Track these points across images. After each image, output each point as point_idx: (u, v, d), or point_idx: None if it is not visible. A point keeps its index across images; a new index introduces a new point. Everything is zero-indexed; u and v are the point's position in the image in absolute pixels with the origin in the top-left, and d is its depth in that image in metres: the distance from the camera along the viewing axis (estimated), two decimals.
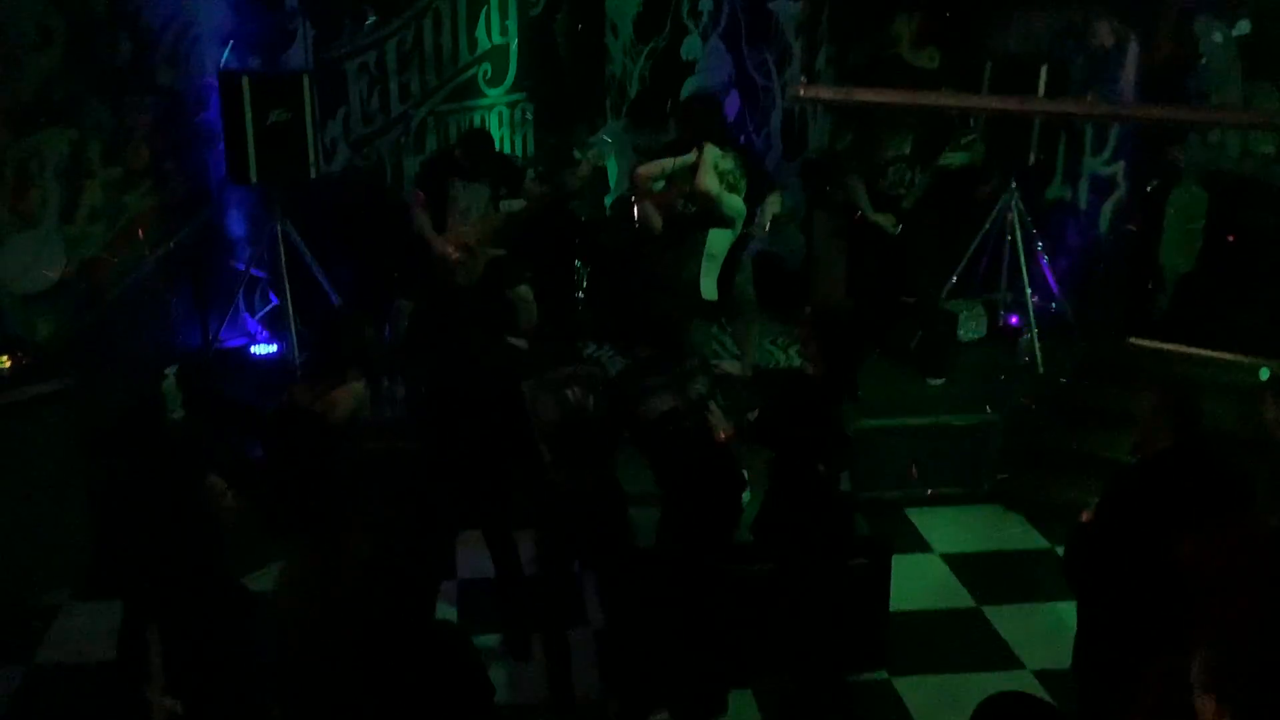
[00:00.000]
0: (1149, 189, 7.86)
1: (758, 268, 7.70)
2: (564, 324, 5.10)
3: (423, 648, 3.50)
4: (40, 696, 5.32)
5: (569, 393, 4.87)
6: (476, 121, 8.47)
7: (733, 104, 8.89)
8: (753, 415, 5.02)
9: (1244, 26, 7.35)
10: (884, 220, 7.50)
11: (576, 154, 7.88)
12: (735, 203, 6.62)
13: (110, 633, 5.69)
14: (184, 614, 4.19)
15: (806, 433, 4.84)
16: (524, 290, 7.26)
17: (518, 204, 7.16)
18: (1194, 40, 7.54)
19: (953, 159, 7.31)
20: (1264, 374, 6.63)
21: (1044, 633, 5.80)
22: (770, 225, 7.28)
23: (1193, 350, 7.45)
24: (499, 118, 8.62)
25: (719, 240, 6.73)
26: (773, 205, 7.20)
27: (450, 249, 7.06)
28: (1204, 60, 7.50)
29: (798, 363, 7.77)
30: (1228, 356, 7.30)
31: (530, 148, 8.82)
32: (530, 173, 7.67)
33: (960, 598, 6.25)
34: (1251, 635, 3.12)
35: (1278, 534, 3.86)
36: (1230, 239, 7.45)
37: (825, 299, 8.21)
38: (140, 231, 7.15)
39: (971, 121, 7.63)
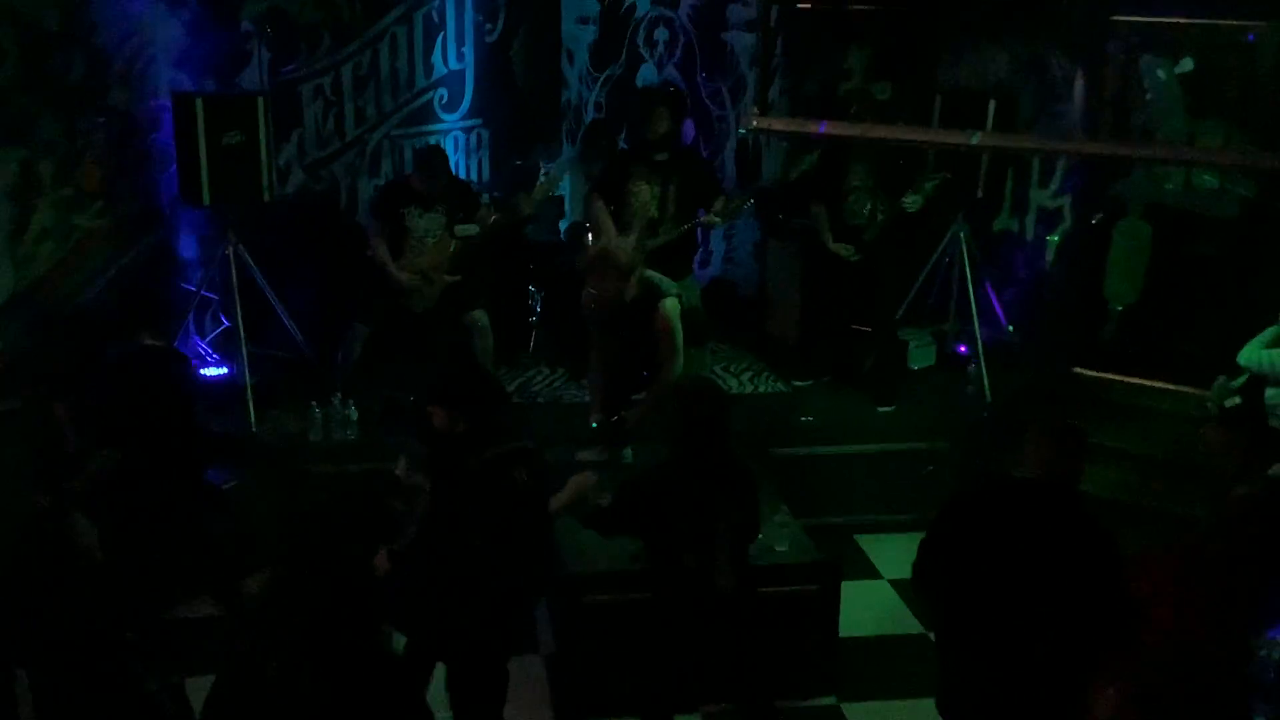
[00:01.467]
0: (1094, 221, 8.01)
1: (712, 294, 7.76)
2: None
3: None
4: None
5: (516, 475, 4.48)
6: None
7: (688, 132, 8.97)
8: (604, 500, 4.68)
9: (1187, 64, 7.52)
10: (844, 250, 7.58)
11: (541, 178, 7.91)
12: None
13: None
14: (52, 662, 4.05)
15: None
16: (480, 315, 7.28)
17: (472, 229, 7.19)
18: (1139, 77, 7.70)
19: (912, 201, 7.39)
20: (1210, 406, 6.70)
21: None
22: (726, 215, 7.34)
23: (1137, 380, 7.58)
24: (455, 143, 8.64)
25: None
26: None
27: (406, 277, 7.08)
28: (1149, 96, 7.67)
29: (748, 389, 7.87)
30: (1170, 386, 7.43)
31: (486, 173, 8.85)
32: (485, 198, 7.70)
33: (909, 624, 6.30)
34: (1184, 667, 3.19)
35: (1213, 561, 3.93)
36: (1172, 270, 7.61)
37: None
38: (90, 251, 7.09)
39: (931, 165, 7.73)
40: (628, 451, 6.53)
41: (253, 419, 7.01)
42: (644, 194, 7.14)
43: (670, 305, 6.23)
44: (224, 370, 7.63)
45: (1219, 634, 3.31)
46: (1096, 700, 3.12)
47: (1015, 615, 3.84)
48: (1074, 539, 3.91)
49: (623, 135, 8.94)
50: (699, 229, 7.38)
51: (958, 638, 4.11)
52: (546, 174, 8.27)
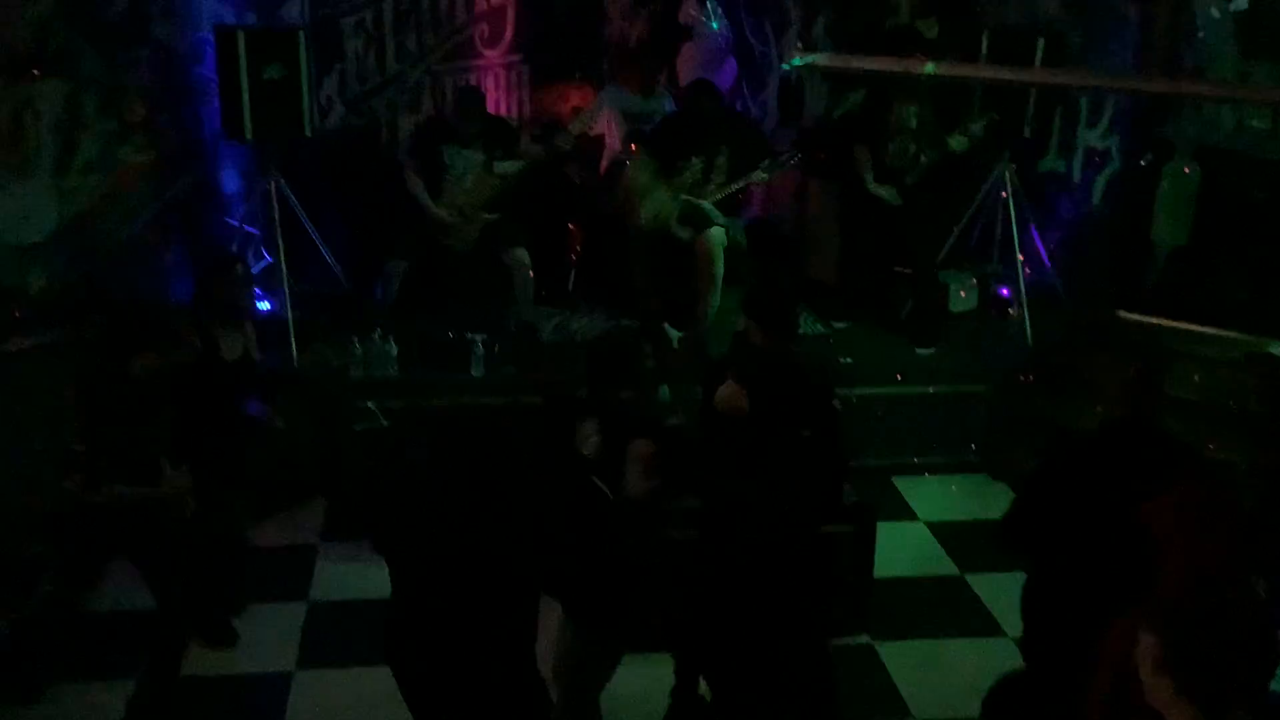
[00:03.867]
0: (1142, 163, 7.88)
1: (751, 234, 7.72)
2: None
3: None
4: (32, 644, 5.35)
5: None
6: (473, 82, 8.44)
7: (730, 70, 8.87)
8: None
9: (1241, 2, 7.35)
10: (885, 192, 7.51)
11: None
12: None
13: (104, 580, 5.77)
14: None
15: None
16: (520, 254, 7.29)
17: (512, 166, 7.18)
18: (1191, 15, 7.54)
19: (958, 142, 7.31)
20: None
21: None
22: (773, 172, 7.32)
23: (1180, 325, 7.49)
24: (495, 79, 8.60)
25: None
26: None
27: (445, 214, 7.08)
28: (1201, 35, 7.51)
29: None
30: (1216, 331, 7.34)
31: (526, 109, 8.81)
32: (523, 136, 7.67)
33: (944, 565, 6.32)
34: (1205, 603, 3.16)
35: (1232, 492, 3.91)
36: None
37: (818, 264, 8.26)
38: (135, 185, 7.13)
39: (977, 105, 7.62)
40: (664, 390, 6.54)
41: (295, 353, 7.07)
42: (694, 168, 7.17)
43: (715, 234, 6.24)
44: (267, 305, 7.68)
45: (1239, 575, 3.29)
46: (1138, 651, 3.11)
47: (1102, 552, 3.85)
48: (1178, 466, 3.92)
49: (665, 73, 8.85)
50: None
51: (1049, 590, 4.11)
52: (582, 113, 8.22)
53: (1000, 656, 5.34)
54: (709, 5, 8.77)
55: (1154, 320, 7.61)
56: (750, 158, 7.25)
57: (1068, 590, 4.06)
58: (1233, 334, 7.19)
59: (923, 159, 7.47)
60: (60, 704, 5.06)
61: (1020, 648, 4.34)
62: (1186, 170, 7.68)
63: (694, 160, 7.22)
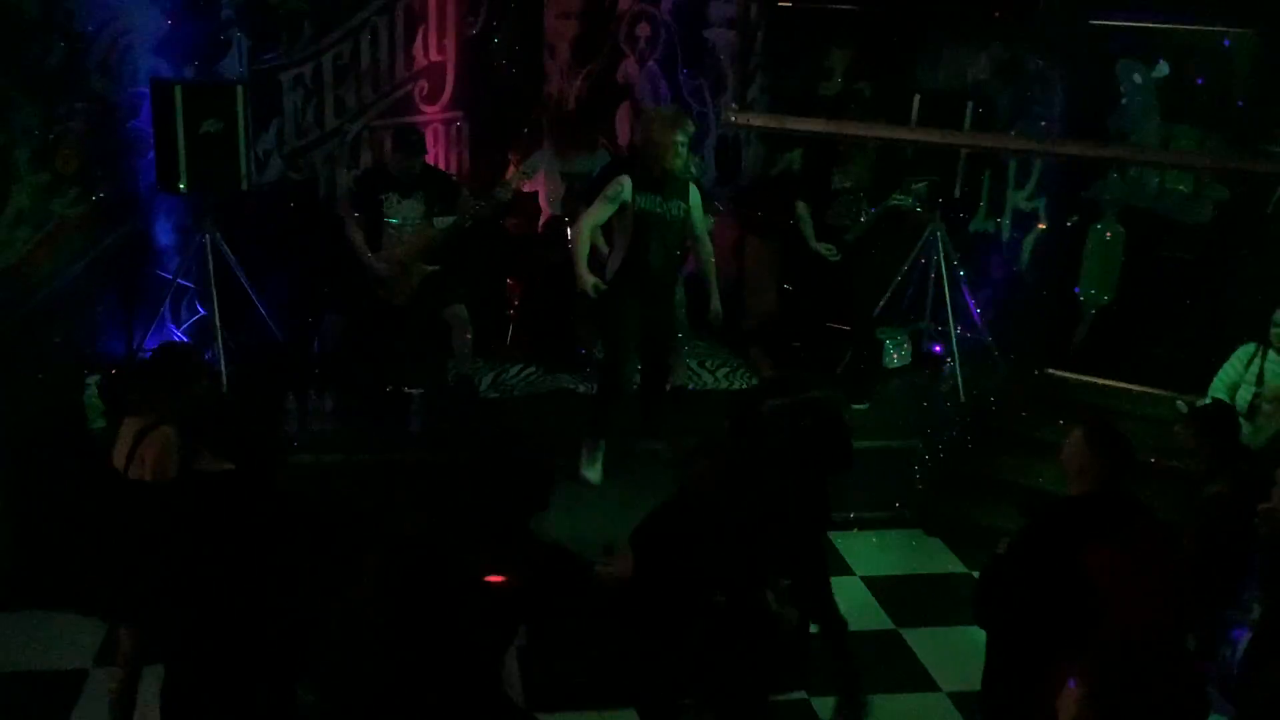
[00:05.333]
0: (1069, 224, 8.07)
1: (689, 289, 7.78)
2: None
3: None
4: None
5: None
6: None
7: None
8: None
9: (1163, 69, 7.59)
10: (824, 250, 7.63)
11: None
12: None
13: (24, 641, 5.67)
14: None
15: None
16: (459, 309, 7.28)
17: (450, 220, 7.19)
18: (1115, 81, 7.77)
19: (902, 200, 7.47)
20: (1181, 407, 6.83)
21: (960, 655, 5.89)
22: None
23: (1108, 382, 7.65)
24: (434, 135, 8.63)
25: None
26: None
27: (384, 267, 7.06)
28: (1124, 101, 7.73)
29: (724, 385, 7.90)
30: (1142, 389, 7.50)
31: (465, 165, 8.85)
32: (464, 190, 7.70)
33: (880, 619, 6.35)
34: (1136, 656, 3.23)
35: (1175, 549, 3.98)
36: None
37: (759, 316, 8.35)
38: (68, 237, 7.06)
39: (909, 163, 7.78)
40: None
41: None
42: None
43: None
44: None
45: (1175, 629, 3.36)
46: (1061, 698, 3.16)
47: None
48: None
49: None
50: None
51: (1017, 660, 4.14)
52: (521, 166, 8.27)
53: (936, 711, 5.39)
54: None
55: (1082, 377, 7.77)
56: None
57: (1020, 645, 4.09)
58: (1158, 391, 7.35)
59: (864, 218, 7.60)
60: None
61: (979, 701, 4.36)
62: (1110, 233, 7.88)
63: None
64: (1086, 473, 4.02)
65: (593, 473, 6.53)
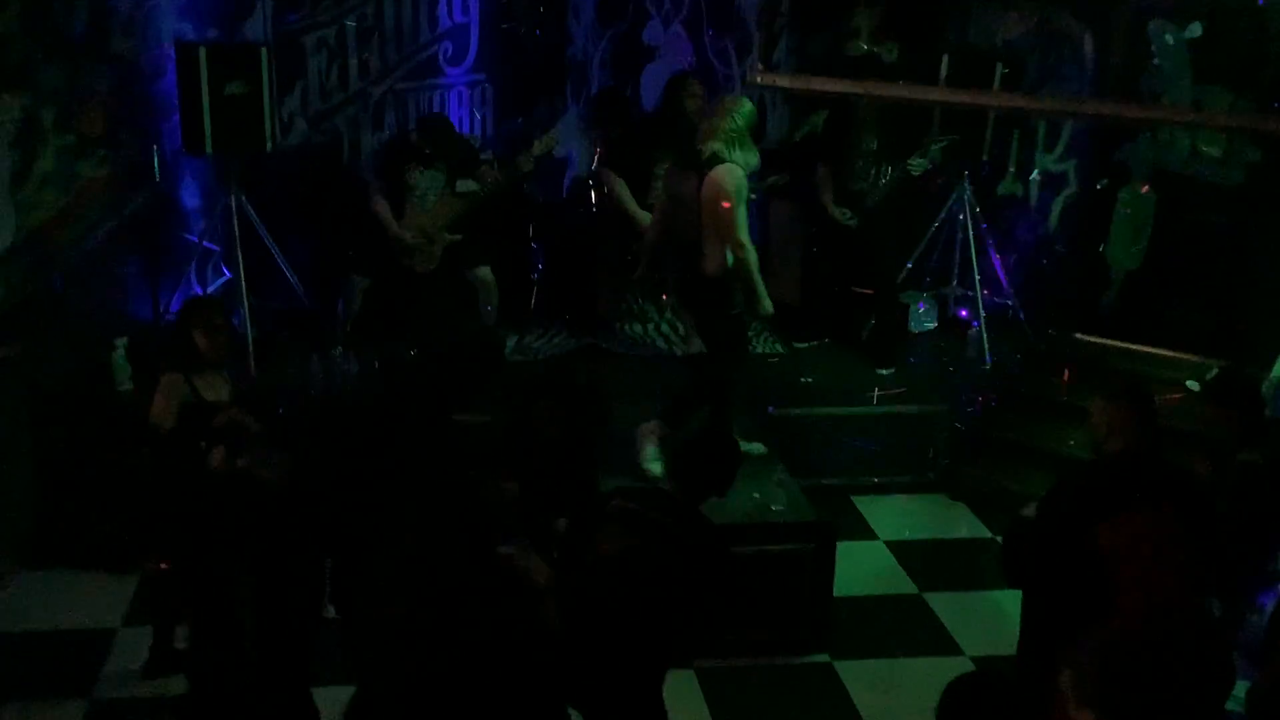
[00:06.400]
0: (1099, 187, 7.98)
1: None
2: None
3: None
4: None
5: None
6: (436, 100, 8.44)
7: None
8: None
9: (1195, 30, 7.47)
10: (840, 214, 7.58)
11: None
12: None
13: (54, 600, 5.73)
14: None
15: None
16: (484, 272, 7.29)
17: (472, 185, 7.17)
18: (1147, 42, 7.66)
19: (917, 165, 7.40)
20: (1192, 385, 6.81)
21: (982, 619, 5.91)
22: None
23: (1136, 347, 7.58)
24: (458, 97, 8.60)
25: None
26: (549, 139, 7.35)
27: (409, 235, 7.06)
28: (1156, 62, 7.62)
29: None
30: (1170, 354, 7.44)
31: (489, 129, 8.82)
32: (486, 153, 7.68)
33: (903, 584, 6.35)
34: (1144, 632, 3.20)
35: (1206, 514, 3.95)
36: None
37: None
38: (94, 199, 7.08)
39: (937, 128, 7.69)
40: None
41: (254, 370, 7.03)
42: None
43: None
44: None
45: (1192, 594, 3.33)
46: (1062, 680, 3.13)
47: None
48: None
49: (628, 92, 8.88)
50: None
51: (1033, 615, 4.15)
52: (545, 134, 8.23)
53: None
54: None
55: (1109, 342, 7.71)
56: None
57: (1046, 616, 4.09)
58: (1186, 356, 7.29)
59: (883, 181, 7.53)
60: None
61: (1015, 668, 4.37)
62: (1142, 194, 7.79)
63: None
64: (1115, 432, 4.02)
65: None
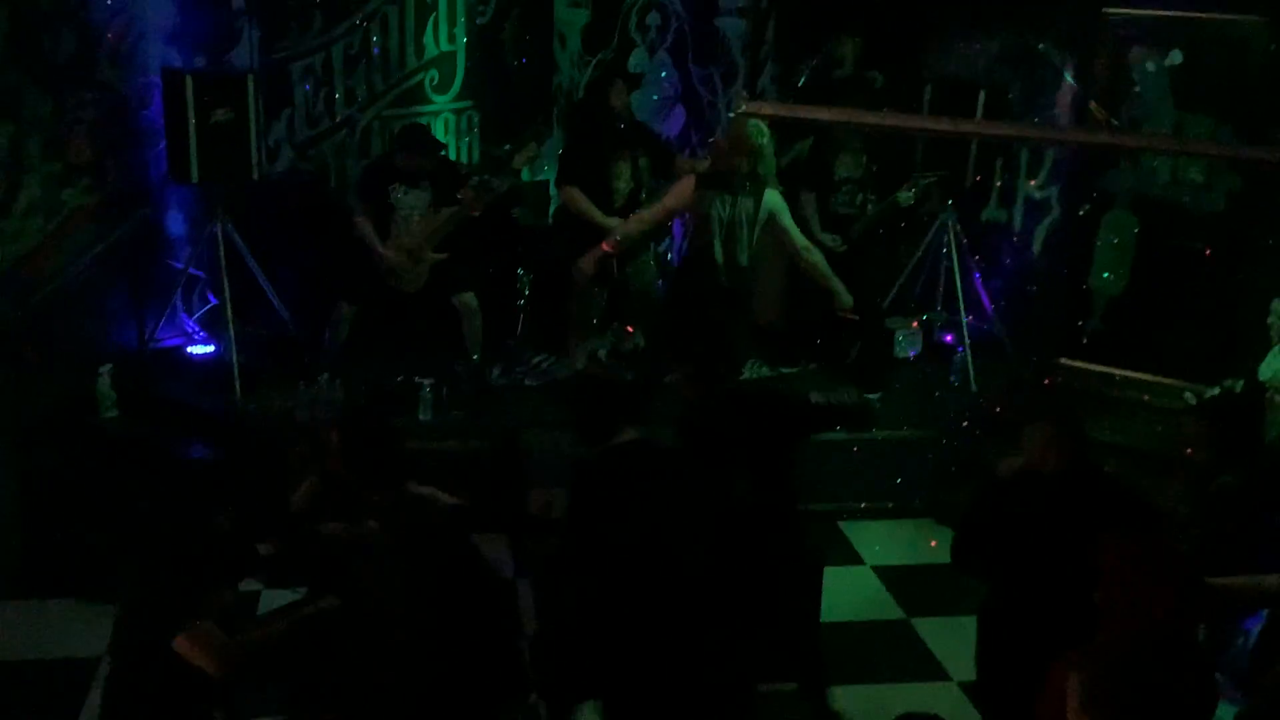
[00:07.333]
0: (1081, 213, 8.04)
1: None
2: None
3: None
4: None
5: None
6: None
7: (678, 118, 8.97)
8: None
9: (1176, 57, 7.54)
10: (829, 240, 7.62)
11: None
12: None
13: (37, 630, 5.70)
14: None
15: None
16: (469, 297, 7.28)
17: (452, 210, 7.18)
18: (1128, 69, 7.73)
19: (905, 197, 7.47)
20: (1189, 398, 6.83)
21: (969, 644, 5.85)
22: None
23: (1121, 372, 7.62)
24: (445, 125, 8.63)
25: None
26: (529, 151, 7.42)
27: (393, 255, 7.06)
28: (1137, 89, 7.69)
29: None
30: (1154, 379, 7.48)
31: (475, 156, 8.84)
32: (475, 179, 7.68)
33: (890, 610, 6.34)
34: (1138, 650, 3.21)
35: (1186, 552, 3.97)
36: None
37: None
38: (80, 227, 7.08)
39: (923, 159, 7.77)
40: None
41: (239, 397, 7.02)
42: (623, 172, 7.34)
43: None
44: (211, 348, 7.64)
45: (1177, 619, 3.34)
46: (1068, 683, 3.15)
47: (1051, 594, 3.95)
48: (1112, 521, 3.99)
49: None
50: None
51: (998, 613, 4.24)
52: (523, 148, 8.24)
53: (946, 701, 5.38)
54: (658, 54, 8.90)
55: (1094, 367, 7.74)
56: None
57: (1018, 630, 4.12)
58: (1170, 381, 7.33)
59: (869, 208, 7.58)
60: None
61: (974, 689, 4.39)
62: (1123, 223, 7.85)
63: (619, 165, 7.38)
64: (1050, 450, 4.18)
65: None
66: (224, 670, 3.71)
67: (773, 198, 6.60)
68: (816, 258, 6.43)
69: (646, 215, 7.06)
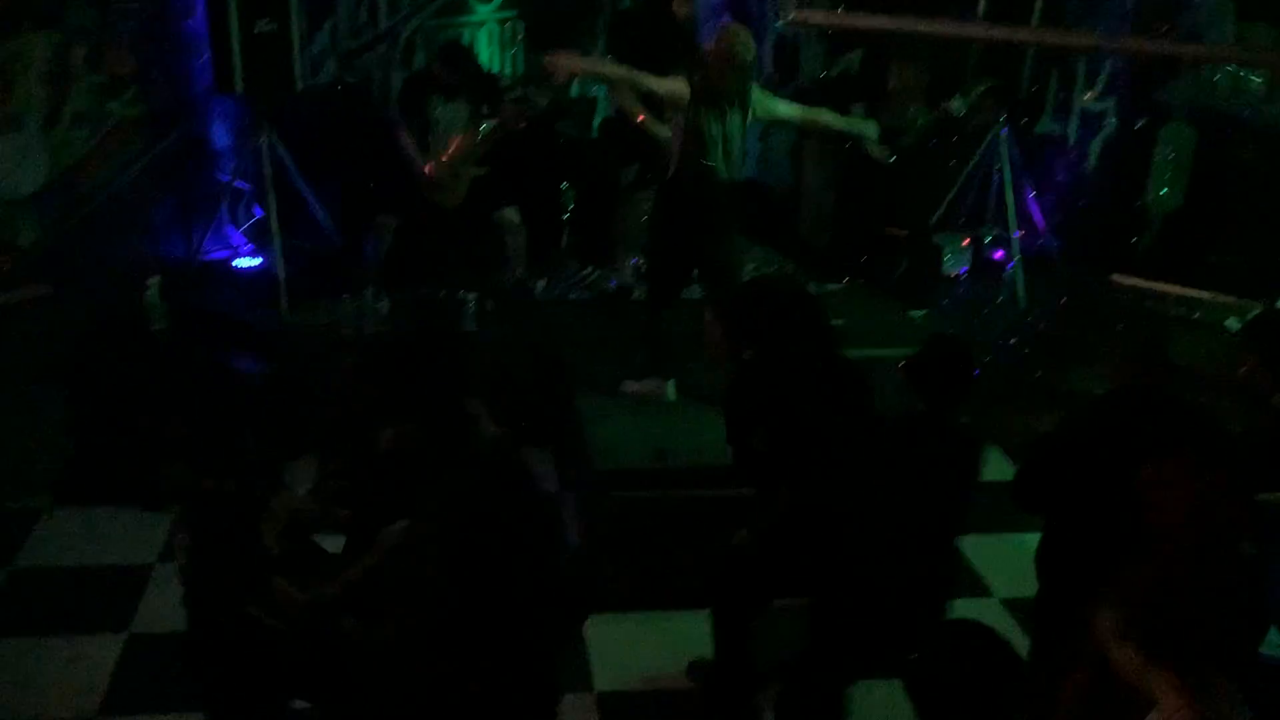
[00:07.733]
0: (1138, 126, 7.86)
1: (745, 194, 7.68)
2: None
3: None
4: (20, 601, 5.36)
5: None
6: (465, 38, 8.37)
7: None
8: None
9: None
10: (879, 152, 7.48)
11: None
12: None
13: (89, 537, 5.80)
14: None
15: None
16: (510, 213, 7.24)
17: (491, 124, 7.11)
18: None
19: (957, 106, 7.30)
20: (1232, 324, 6.72)
21: (1012, 562, 5.86)
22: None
23: (1174, 288, 7.49)
24: (489, 35, 8.53)
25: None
26: None
27: (433, 169, 7.02)
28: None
29: None
30: (1208, 296, 7.35)
31: (520, 66, 8.74)
32: (518, 93, 7.61)
33: None
34: (1189, 571, 3.17)
35: (1233, 473, 3.91)
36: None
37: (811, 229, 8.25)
38: (125, 139, 7.09)
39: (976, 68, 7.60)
40: (670, 388, 6.47)
41: (285, 310, 7.05)
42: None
43: None
44: (258, 261, 7.66)
45: (1233, 541, 3.30)
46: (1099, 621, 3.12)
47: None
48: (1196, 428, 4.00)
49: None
50: None
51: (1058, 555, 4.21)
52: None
53: (989, 617, 5.36)
54: None
55: (1147, 284, 7.62)
56: None
57: (1073, 555, 4.09)
58: (1225, 297, 7.20)
59: (920, 121, 7.44)
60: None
61: (1034, 610, 4.39)
62: (1181, 136, 7.66)
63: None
64: (1127, 370, 4.12)
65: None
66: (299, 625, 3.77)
67: (755, 92, 6.23)
68: (826, 116, 6.18)
69: (634, 74, 6.53)
